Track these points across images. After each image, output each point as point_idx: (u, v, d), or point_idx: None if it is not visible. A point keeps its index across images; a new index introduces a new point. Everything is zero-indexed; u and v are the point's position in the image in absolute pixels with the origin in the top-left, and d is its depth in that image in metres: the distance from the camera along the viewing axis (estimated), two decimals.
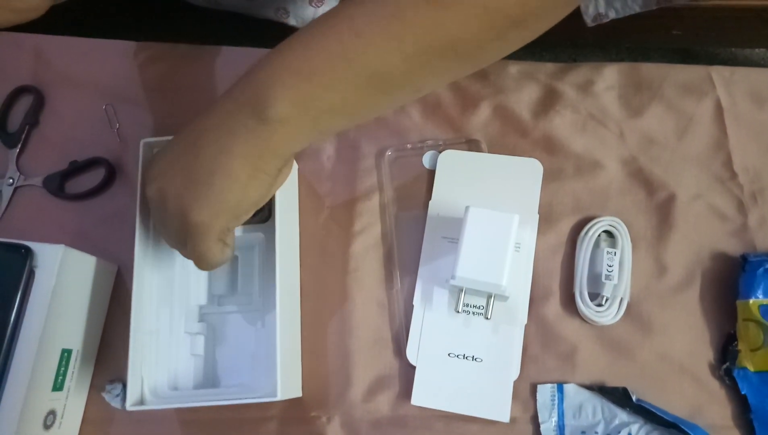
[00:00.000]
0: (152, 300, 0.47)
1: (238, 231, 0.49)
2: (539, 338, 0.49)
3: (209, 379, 0.50)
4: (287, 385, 0.44)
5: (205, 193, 0.39)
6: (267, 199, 0.43)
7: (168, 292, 0.49)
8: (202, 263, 0.43)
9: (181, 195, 0.40)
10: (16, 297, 0.43)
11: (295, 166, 0.53)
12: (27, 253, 0.43)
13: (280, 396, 0.42)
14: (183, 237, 0.41)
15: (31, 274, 0.44)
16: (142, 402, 0.45)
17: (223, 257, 0.43)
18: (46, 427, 0.45)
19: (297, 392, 0.49)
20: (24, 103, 0.57)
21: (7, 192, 0.55)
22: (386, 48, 0.37)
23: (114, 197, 0.55)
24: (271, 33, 0.58)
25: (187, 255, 0.43)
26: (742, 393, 0.47)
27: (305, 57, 0.38)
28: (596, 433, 0.47)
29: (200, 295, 0.50)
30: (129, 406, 0.43)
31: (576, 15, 0.69)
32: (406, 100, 0.51)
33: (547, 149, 0.54)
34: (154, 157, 0.44)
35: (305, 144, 0.41)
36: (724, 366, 0.48)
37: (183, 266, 0.50)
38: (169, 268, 0.49)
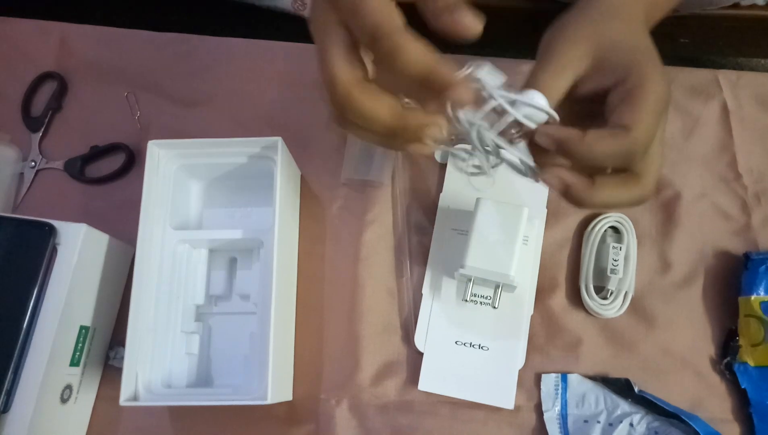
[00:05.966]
0: (151, 298, 0.47)
1: (238, 234, 0.49)
2: (545, 329, 0.51)
3: (202, 378, 0.50)
4: (277, 389, 0.45)
5: None
6: None
7: (167, 291, 0.49)
8: None
9: None
10: (39, 272, 0.44)
11: (298, 173, 0.54)
12: (50, 231, 0.45)
13: (270, 400, 0.43)
14: None
15: (54, 250, 0.45)
16: (135, 398, 0.45)
17: None
18: (63, 400, 0.46)
19: (287, 396, 0.49)
20: (48, 89, 0.59)
21: (29, 174, 0.56)
22: None
23: (133, 182, 0.56)
24: (286, 25, 0.60)
25: None
26: (742, 387, 0.48)
27: None
28: (598, 422, 0.48)
29: (198, 295, 0.51)
30: (122, 401, 0.44)
31: None
32: None
33: None
34: None
35: None
36: (725, 361, 0.49)
37: (184, 265, 0.50)
38: (170, 267, 0.49)
